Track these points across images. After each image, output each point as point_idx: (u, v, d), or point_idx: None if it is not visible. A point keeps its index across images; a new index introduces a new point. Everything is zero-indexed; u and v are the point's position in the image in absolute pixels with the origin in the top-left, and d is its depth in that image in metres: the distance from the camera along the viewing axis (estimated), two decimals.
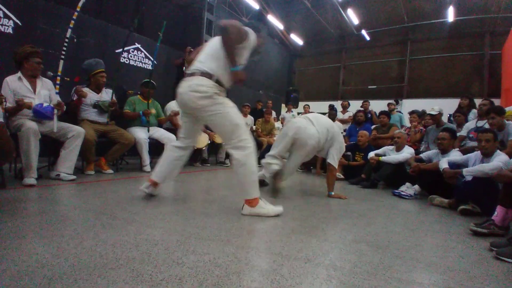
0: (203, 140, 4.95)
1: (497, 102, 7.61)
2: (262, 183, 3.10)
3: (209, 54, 2.15)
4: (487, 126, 3.65)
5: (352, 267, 1.39)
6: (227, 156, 5.45)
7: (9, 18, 4.21)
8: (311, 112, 3.40)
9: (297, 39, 12.85)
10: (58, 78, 3.02)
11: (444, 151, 3.37)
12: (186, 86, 2.09)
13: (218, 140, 5.16)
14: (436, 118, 4.24)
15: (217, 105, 2.06)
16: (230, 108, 2.10)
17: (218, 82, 2.09)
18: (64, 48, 3.02)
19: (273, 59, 11.78)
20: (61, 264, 1.21)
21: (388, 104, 6.88)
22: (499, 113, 3.34)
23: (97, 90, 3.68)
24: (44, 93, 3.03)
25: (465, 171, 2.79)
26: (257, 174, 2.16)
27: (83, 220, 1.82)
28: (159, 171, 2.41)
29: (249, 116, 6.32)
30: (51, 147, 3.16)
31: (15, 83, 2.84)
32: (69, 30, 3.05)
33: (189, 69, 2.18)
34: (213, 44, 2.19)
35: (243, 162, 2.07)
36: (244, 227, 1.89)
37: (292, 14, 12.36)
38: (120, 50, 4.22)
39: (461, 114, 4.47)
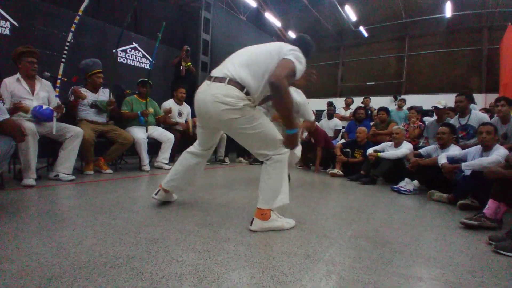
0: None
1: (495, 96, 7.62)
2: None
3: (249, 61, 1.78)
4: (470, 122, 3.62)
5: (352, 263, 1.39)
6: (226, 154, 5.46)
7: (6, 20, 4.19)
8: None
9: (294, 37, 12.83)
10: (58, 81, 3.00)
11: (444, 146, 3.37)
12: (210, 95, 1.73)
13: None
14: (440, 112, 4.22)
15: (248, 118, 1.73)
16: (261, 118, 1.79)
17: (248, 94, 1.74)
18: (65, 52, 3.00)
19: None
20: (61, 263, 1.21)
21: (399, 100, 6.87)
22: (510, 102, 3.32)
23: (94, 90, 3.67)
24: (43, 94, 3.02)
25: (463, 165, 2.80)
26: (286, 185, 1.89)
27: (82, 219, 1.82)
28: (173, 179, 2.17)
29: None
30: (50, 147, 3.15)
31: (13, 84, 2.83)
32: (71, 34, 3.03)
33: (216, 71, 1.84)
34: (256, 53, 1.82)
35: (281, 166, 1.82)
36: (243, 225, 1.89)
37: (289, 11, 12.32)
38: (115, 50, 4.20)
39: (450, 112, 4.47)
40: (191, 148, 2.20)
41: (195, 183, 2.29)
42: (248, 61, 1.78)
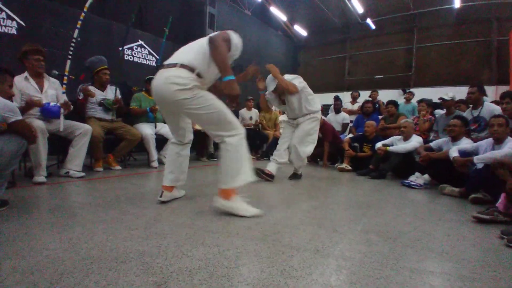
0: None
1: (505, 88, 7.43)
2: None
3: (193, 47, 2.03)
4: (482, 114, 3.55)
5: (362, 258, 1.38)
6: None
7: (13, 19, 4.23)
8: None
9: (301, 31, 12.67)
10: (65, 78, 3.03)
11: (455, 138, 3.31)
12: (162, 78, 1.90)
13: None
14: (447, 104, 4.14)
15: (199, 99, 1.89)
16: (214, 100, 1.96)
17: (199, 76, 1.93)
18: (71, 49, 3.02)
19: (277, 52, 11.67)
20: (72, 259, 1.23)
21: (407, 93, 6.77)
22: None
23: (102, 87, 3.70)
24: (51, 92, 3.05)
25: (475, 158, 2.74)
26: (247, 165, 1.99)
27: (93, 215, 1.84)
28: (168, 172, 2.25)
29: (253, 109, 6.29)
30: (60, 145, 3.20)
31: (22, 83, 2.86)
32: (76, 31, 3.05)
33: (167, 60, 2.02)
34: (199, 41, 2.06)
35: (236, 146, 1.94)
36: (252, 220, 1.88)
37: (295, 5, 12.16)
38: (121, 48, 4.21)
39: (462, 104, 4.38)
40: (172, 138, 2.34)
41: (184, 174, 2.32)
42: (193, 49, 2.01)
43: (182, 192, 2.42)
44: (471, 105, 3.80)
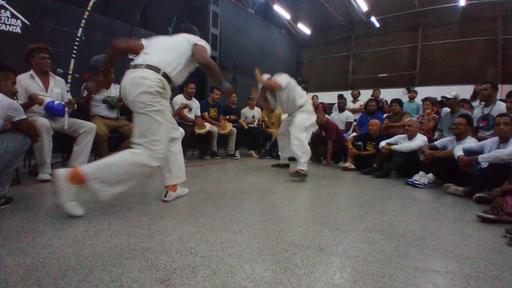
0: (228, 126, 5.25)
1: (511, 87, 7.36)
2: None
3: (162, 48, 2.06)
4: (493, 112, 3.53)
5: (366, 256, 1.37)
6: (237, 148, 5.47)
7: (17, 18, 4.26)
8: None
9: (304, 29, 12.62)
10: (70, 76, 3.04)
11: (459, 137, 3.28)
12: (128, 78, 1.92)
13: (225, 129, 5.20)
14: (450, 103, 4.11)
15: (155, 109, 1.89)
16: (166, 121, 1.96)
17: (165, 77, 1.97)
18: (75, 48, 3.03)
19: (280, 50, 11.64)
20: (76, 255, 1.23)
21: (410, 91, 6.73)
22: None
23: (106, 86, 3.70)
24: (57, 91, 3.06)
25: (480, 157, 2.72)
26: (125, 181, 1.84)
27: (97, 212, 1.85)
28: (166, 172, 2.25)
29: (256, 108, 6.29)
30: (64, 143, 3.21)
31: (27, 81, 2.87)
32: (80, 30, 3.06)
33: (134, 62, 2.02)
34: (168, 42, 2.12)
35: (138, 162, 1.83)
36: (256, 218, 1.89)
37: (299, 3, 12.13)
38: None
39: (464, 103, 4.36)
40: None
41: (183, 170, 2.33)
42: (162, 49, 2.06)
43: (185, 190, 2.42)
44: (483, 102, 3.78)
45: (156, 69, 1.93)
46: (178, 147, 2.32)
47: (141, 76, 1.89)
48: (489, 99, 3.66)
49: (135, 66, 1.97)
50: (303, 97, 3.72)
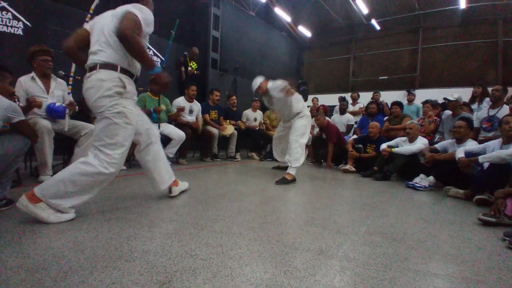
0: (228, 129, 5.24)
1: (511, 90, 7.36)
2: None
3: (103, 41, 1.77)
4: (499, 114, 3.54)
5: (366, 259, 1.37)
6: (237, 150, 5.47)
7: (19, 20, 4.28)
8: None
9: (305, 31, 12.67)
10: (71, 79, 3.05)
11: (460, 140, 3.28)
12: (86, 83, 1.77)
13: (227, 131, 5.20)
14: (452, 105, 4.12)
15: (116, 113, 1.76)
16: (127, 126, 1.81)
17: (125, 72, 1.81)
18: None
19: (281, 52, 11.66)
20: (77, 257, 1.24)
21: (408, 94, 6.74)
22: None
23: None
24: (58, 93, 3.07)
25: (481, 157, 2.71)
26: (81, 192, 1.73)
27: (98, 215, 1.85)
28: (153, 184, 2.27)
29: (258, 111, 6.29)
30: (66, 145, 3.22)
31: (28, 83, 2.88)
32: None
33: (87, 64, 1.82)
34: (104, 29, 1.78)
35: (89, 172, 1.70)
36: (256, 220, 1.89)
37: (299, 5, 12.16)
38: None
39: (464, 106, 4.37)
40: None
41: (167, 166, 2.32)
42: (101, 39, 1.77)
43: (185, 184, 2.49)
44: (491, 102, 3.81)
45: (111, 66, 1.75)
46: (154, 154, 2.17)
47: (98, 78, 1.73)
48: (499, 101, 3.68)
49: (90, 69, 1.78)
50: (300, 102, 3.66)
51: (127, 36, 1.64)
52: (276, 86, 3.36)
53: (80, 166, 1.70)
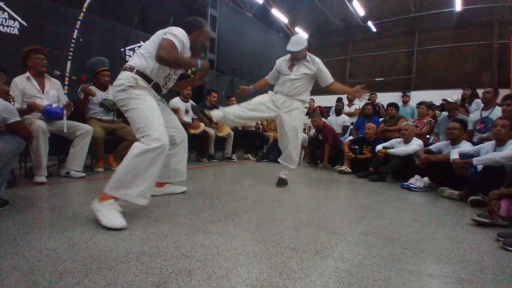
0: (225, 129, 5.23)
1: (506, 92, 7.45)
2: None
3: (138, 51, 2.10)
4: (492, 116, 3.59)
5: (362, 259, 1.38)
6: (234, 151, 5.47)
7: (15, 20, 4.24)
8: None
9: (302, 33, 12.70)
10: (66, 79, 3.03)
11: (454, 142, 3.31)
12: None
13: (224, 132, 5.20)
14: (450, 107, 4.15)
15: (130, 100, 1.92)
16: (142, 105, 1.93)
17: (141, 75, 2.00)
18: (71, 49, 3.02)
19: (278, 54, 11.56)
20: (72, 258, 1.23)
21: (403, 96, 6.78)
22: None
23: (103, 88, 3.70)
24: (53, 93, 3.05)
25: (475, 160, 2.74)
26: (141, 183, 1.81)
27: (93, 215, 1.84)
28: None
29: None
30: (61, 145, 3.20)
31: (24, 83, 2.86)
32: (76, 31, 3.05)
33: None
34: (145, 44, 2.10)
35: (135, 155, 1.79)
36: (252, 221, 1.89)
37: (296, 7, 12.22)
38: (123, 49, 4.22)
39: (460, 107, 4.41)
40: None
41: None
42: (139, 50, 2.09)
43: (180, 188, 2.56)
44: (483, 104, 3.86)
45: (130, 68, 2.00)
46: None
47: (118, 78, 1.99)
48: (491, 102, 3.73)
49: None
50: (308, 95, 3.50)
51: (162, 59, 1.94)
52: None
53: (130, 152, 1.85)
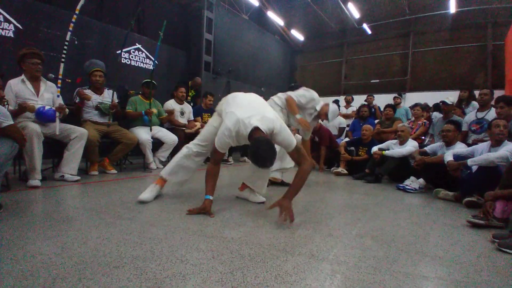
0: None
1: (500, 93, 7.52)
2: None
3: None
4: (487, 117, 3.62)
5: (357, 262, 1.38)
6: (230, 154, 5.46)
7: (10, 22, 4.22)
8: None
9: (298, 35, 12.74)
10: (60, 81, 3.01)
11: (449, 143, 3.33)
12: None
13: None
14: (447, 108, 4.18)
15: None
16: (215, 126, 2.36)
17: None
18: (64, 52, 3.01)
19: (274, 56, 11.71)
20: (65, 263, 1.22)
21: (394, 98, 6.82)
22: (509, 103, 3.29)
23: (98, 91, 3.68)
24: (48, 96, 3.03)
25: (470, 161, 2.76)
26: (178, 168, 2.45)
27: (87, 219, 1.83)
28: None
29: None
30: (55, 148, 3.18)
31: (18, 86, 2.85)
32: (69, 33, 3.03)
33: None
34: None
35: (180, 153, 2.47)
36: (247, 224, 1.88)
37: (292, 9, 12.26)
38: (119, 51, 4.21)
39: (457, 108, 4.45)
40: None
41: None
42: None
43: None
44: (479, 106, 3.91)
45: None
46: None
47: None
48: (487, 104, 3.76)
49: None
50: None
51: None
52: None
53: (181, 150, 2.49)
